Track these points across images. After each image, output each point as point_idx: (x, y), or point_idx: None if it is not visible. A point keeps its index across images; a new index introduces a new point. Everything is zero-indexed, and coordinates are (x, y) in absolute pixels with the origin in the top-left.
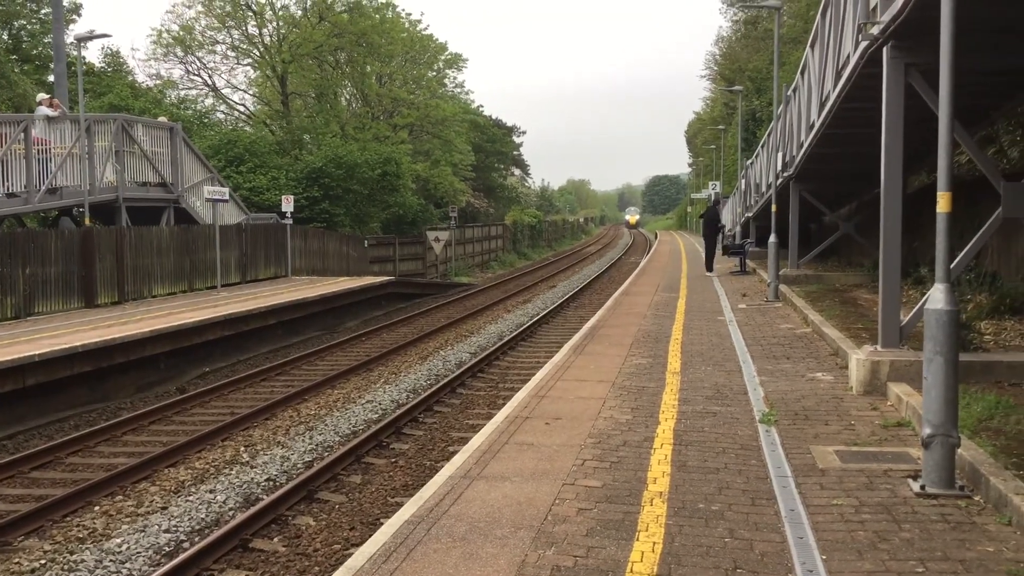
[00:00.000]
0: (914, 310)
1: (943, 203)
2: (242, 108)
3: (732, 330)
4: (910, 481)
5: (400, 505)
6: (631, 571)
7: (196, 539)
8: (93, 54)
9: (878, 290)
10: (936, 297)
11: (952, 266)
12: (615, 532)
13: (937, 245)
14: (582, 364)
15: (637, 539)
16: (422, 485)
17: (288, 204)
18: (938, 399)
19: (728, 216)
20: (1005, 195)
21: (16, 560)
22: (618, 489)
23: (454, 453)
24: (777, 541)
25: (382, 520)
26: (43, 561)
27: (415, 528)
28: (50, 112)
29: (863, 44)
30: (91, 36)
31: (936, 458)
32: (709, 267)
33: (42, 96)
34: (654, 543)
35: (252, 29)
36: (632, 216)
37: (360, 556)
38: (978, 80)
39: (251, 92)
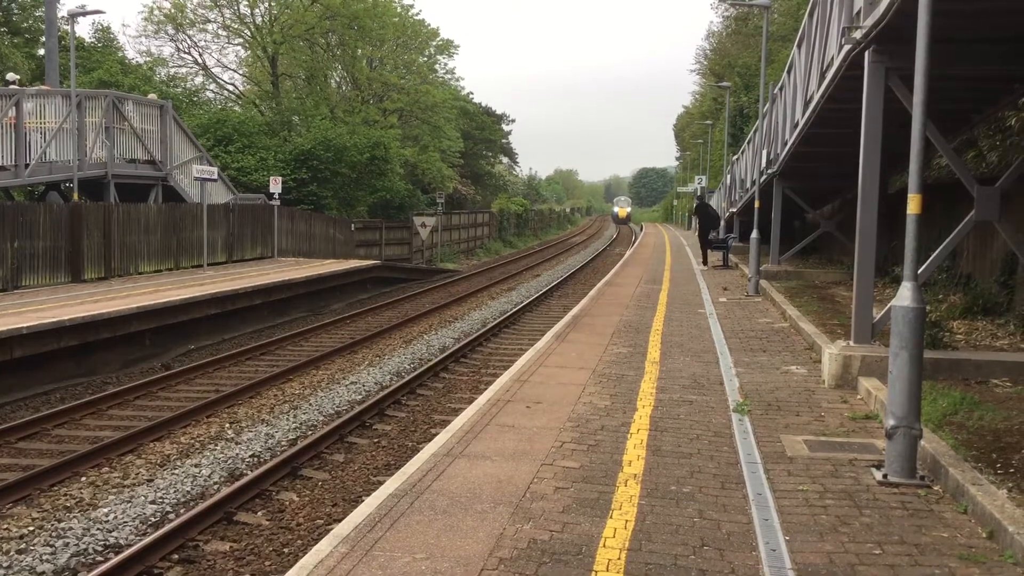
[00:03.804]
0: (886, 307)
1: (913, 205)
2: (232, 88)
3: (712, 323)
4: (873, 470)
5: (382, 484)
6: (604, 546)
7: (181, 511)
8: (84, 29)
9: None
10: (903, 295)
11: (924, 266)
12: (590, 510)
13: (906, 245)
14: (564, 351)
15: (611, 517)
16: (404, 465)
17: (276, 185)
18: (902, 392)
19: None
20: (978, 199)
21: (5, 526)
22: (594, 470)
23: (436, 435)
24: (743, 522)
25: (364, 497)
26: (32, 528)
27: (399, 501)
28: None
29: (846, 47)
30: (83, 12)
31: (899, 448)
32: (705, 260)
33: (12, 76)
34: (626, 521)
35: (244, 8)
36: (622, 208)
37: (346, 525)
38: (958, 86)
39: (241, 72)
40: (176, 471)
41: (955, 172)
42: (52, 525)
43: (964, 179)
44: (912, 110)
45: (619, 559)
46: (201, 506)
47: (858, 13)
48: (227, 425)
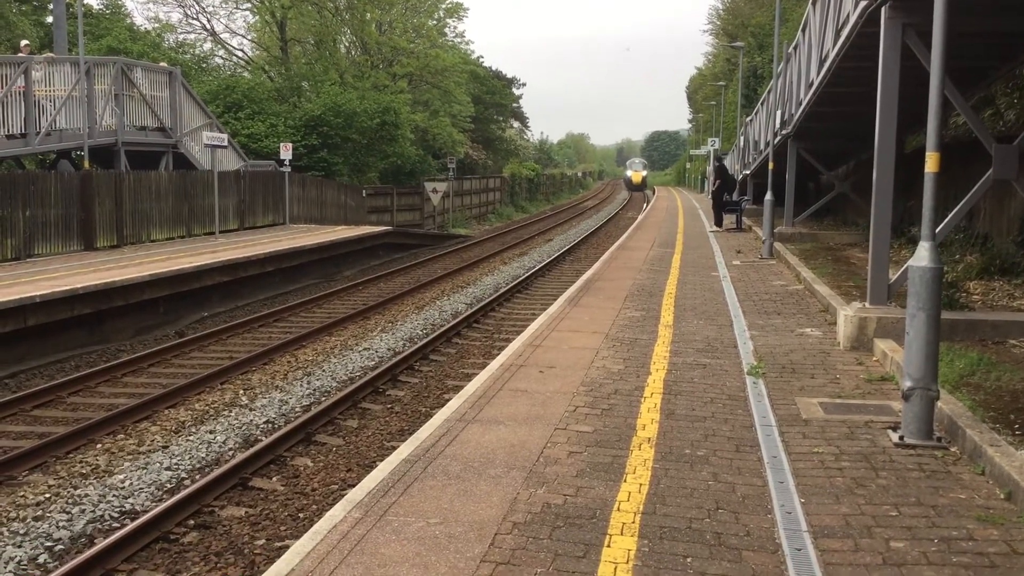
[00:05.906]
0: (902, 268)
1: (931, 163)
2: (240, 54)
3: (725, 285)
4: (890, 432)
5: (396, 449)
6: (618, 509)
7: (197, 477)
8: None
9: None
10: (921, 255)
11: (941, 226)
12: (604, 474)
13: (924, 204)
14: (577, 315)
15: (625, 480)
16: (418, 430)
17: (287, 152)
18: (919, 353)
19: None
20: (996, 157)
21: (22, 493)
22: (608, 434)
23: (449, 400)
24: (758, 485)
25: (378, 463)
26: (48, 495)
27: (412, 466)
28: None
29: (862, 3)
30: None
31: (915, 410)
32: (719, 222)
33: (24, 42)
34: (641, 484)
35: None
36: (636, 171)
37: (359, 490)
38: (976, 42)
39: (250, 38)
40: (191, 437)
41: (972, 130)
42: (68, 492)
43: (982, 137)
44: (930, 66)
45: (633, 522)
46: (216, 472)
47: None
48: (241, 392)
